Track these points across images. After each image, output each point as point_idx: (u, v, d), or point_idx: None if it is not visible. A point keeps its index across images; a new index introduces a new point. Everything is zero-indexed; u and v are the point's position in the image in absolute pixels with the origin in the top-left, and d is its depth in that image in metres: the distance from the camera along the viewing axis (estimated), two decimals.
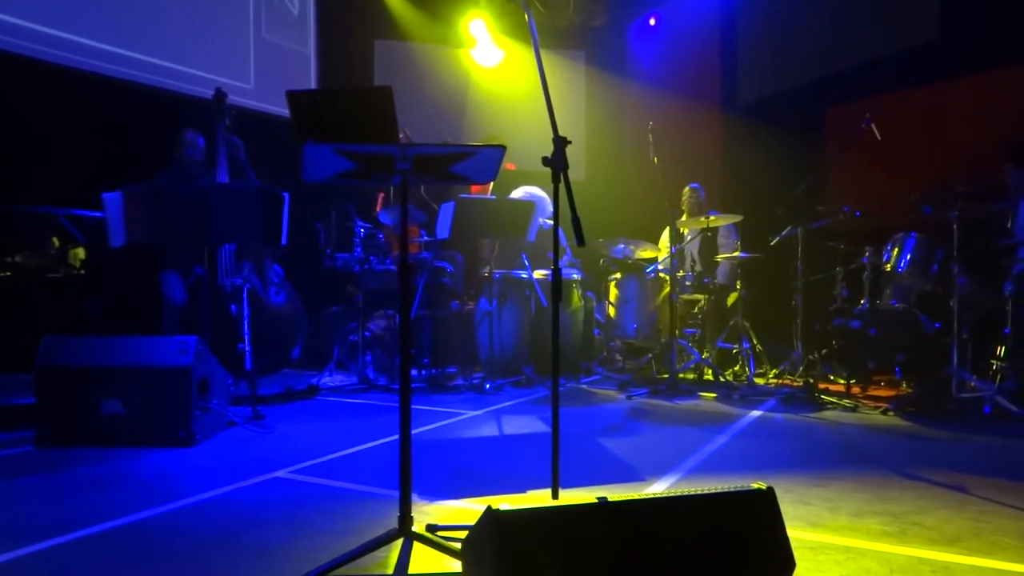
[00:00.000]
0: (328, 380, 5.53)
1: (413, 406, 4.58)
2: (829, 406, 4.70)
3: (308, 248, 5.53)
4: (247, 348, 4.23)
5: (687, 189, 6.54)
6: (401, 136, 6.62)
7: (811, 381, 5.03)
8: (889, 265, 5.13)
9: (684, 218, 6.41)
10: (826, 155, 7.20)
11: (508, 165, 7.92)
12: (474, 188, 6.72)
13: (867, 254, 5.24)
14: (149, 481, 3.05)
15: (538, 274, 5.81)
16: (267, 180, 4.60)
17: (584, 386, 5.59)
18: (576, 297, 5.97)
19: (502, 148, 2.21)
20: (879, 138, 4.97)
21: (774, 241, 5.57)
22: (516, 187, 6.23)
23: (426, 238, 5.70)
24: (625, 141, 8.84)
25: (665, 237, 6.48)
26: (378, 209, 5.75)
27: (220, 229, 3.90)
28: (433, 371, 5.53)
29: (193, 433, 3.60)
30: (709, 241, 6.39)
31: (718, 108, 8.41)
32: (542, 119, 2.37)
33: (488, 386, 5.18)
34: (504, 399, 4.96)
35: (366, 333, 5.44)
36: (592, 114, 9.10)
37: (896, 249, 5.13)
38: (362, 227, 5.33)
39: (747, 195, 7.38)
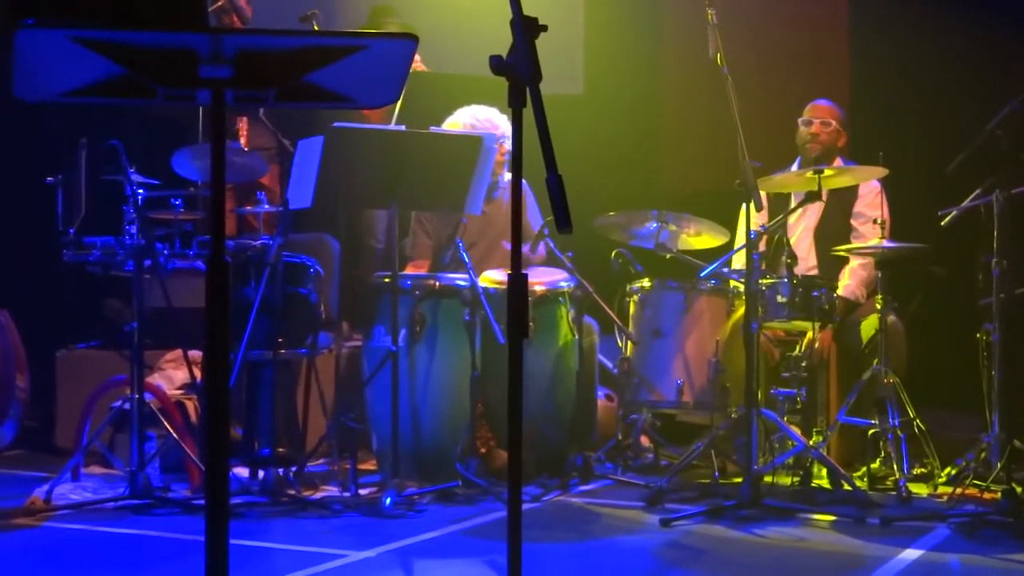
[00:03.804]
0: (69, 489, 5.45)
1: (240, 541, 4.45)
2: None
3: (30, 226, 5.45)
4: None
5: (813, 108, 6.48)
6: (219, 6, 6.57)
7: (1019, 490, 5.09)
8: None
9: (795, 168, 6.35)
10: None
11: (416, 65, 7.82)
12: (368, 114, 6.67)
13: None
14: None
15: (488, 279, 5.80)
16: None
17: (578, 499, 5.58)
18: (565, 326, 5.96)
19: (411, 39, 2.22)
20: None
21: (947, 219, 5.60)
22: (458, 109, 6.22)
23: (269, 208, 5.63)
24: (662, 25, 8.86)
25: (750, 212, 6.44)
26: None
27: None
28: (280, 470, 5.47)
29: None
30: (837, 218, 6.41)
31: None
32: None
33: (389, 500, 5.14)
34: (421, 527, 4.92)
35: (146, 396, 5.37)
36: None
37: None
38: (140, 186, 5.27)
39: (891, 131, 7.44)
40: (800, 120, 6.49)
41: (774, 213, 6.06)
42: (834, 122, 6.42)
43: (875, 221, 5.89)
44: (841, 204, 6.31)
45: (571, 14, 8.93)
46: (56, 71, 2.18)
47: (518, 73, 2.29)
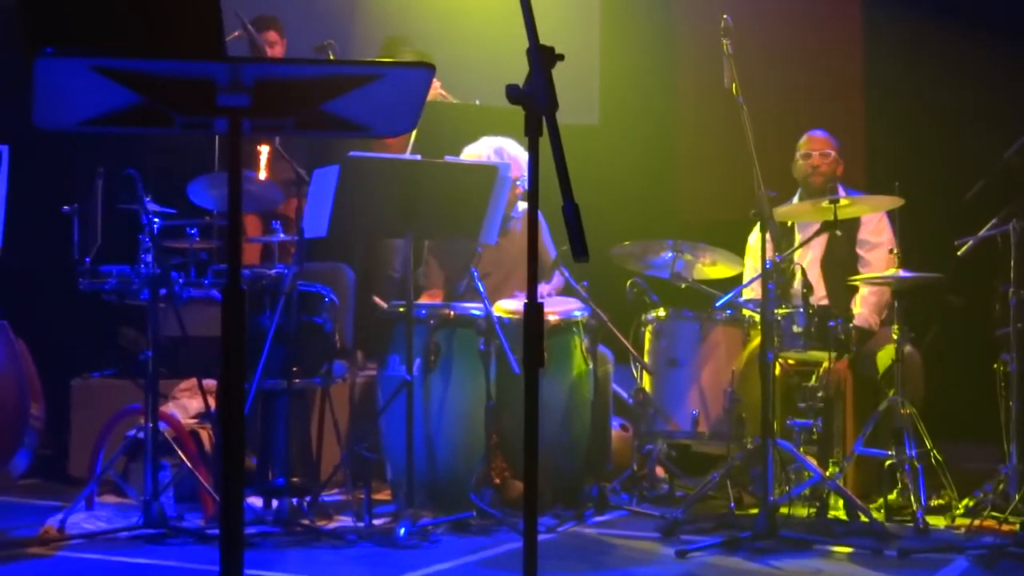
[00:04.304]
0: (82, 518, 5.44)
1: (254, 571, 4.46)
2: None
3: (46, 255, 5.45)
4: None
5: (810, 140, 6.52)
6: (236, 36, 6.61)
7: None
8: None
9: (796, 200, 6.42)
10: None
11: (435, 90, 7.85)
12: (389, 142, 6.69)
13: None
14: None
15: (503, 309, 5.80)
16: None
17: (593, 530, 5.57)
18: (579, 356, 5.96)
19: (428, 68, 2.22)
20: None
21: (964, 248, 5.59)
22: (482, 137, 6.25)
23: (285, 237, 5.65)
24: (677, 56, 8.86)
25: (756, 239, 6.48)
26: None
27: None
28: (295, 500, 5.47)
29: None
30: (842, 247, 6.41)
31: None
32: (514, 14, 2.39)
33: (404, 530, 5.12)
34: (436, 557, 4.91)
35: (161, 425, 5.38)
36: (614, 8, 9.16)
37: None
38: (155, 215, 5.29)
39: (907, 160, 7.42)
40: (798, 154, 6.50)
41: (779, 244, 6.04)
42: (832, 152, 6.45)
43: (891, 251, 5.89)
44: (845, 233, 6.29)
45: (587, 44, 8.96)
46: (75, 100, 2.18)
47: (535, 102, 2.29)
